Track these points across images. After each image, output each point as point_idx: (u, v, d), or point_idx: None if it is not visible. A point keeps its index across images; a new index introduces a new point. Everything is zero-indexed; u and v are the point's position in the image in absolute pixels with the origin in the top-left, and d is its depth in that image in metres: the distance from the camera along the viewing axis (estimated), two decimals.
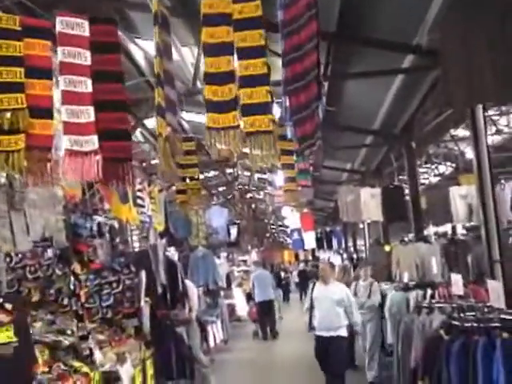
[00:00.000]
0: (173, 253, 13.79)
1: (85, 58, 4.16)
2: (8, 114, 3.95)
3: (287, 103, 4.17)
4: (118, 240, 8.51)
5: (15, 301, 4.30)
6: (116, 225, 8.28)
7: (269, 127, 4.00)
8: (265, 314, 16.12)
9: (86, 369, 6.07)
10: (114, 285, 8.16)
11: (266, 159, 3.94)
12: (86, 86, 4.14)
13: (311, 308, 8.47)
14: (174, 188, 9.68)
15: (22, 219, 5.27)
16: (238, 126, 4.07)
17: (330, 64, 9.54)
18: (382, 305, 9.61)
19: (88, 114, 4.11)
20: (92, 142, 4.06)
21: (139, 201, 8.13)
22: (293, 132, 4.15)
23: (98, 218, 7.53)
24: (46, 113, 4.13)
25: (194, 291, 10.72)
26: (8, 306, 4.05)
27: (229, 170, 19.81)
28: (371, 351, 9.70)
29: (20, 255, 7.07)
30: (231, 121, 4.09)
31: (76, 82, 4.14)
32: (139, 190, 8.24)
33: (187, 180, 8.81)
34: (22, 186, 5.27)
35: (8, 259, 7.10)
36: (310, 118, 3.92)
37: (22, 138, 3.98)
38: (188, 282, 10.78)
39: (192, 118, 13.68)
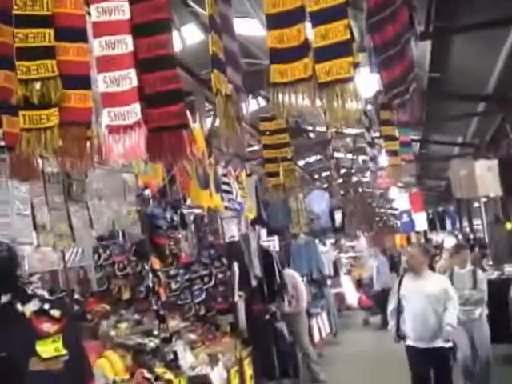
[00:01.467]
0: (275, 242, 13.23)
1: (123, 11, 3.44)
2: (37, 85, 3.31)
3: (371, 43, 3.26)
4: (206, 231, 7.88)
5: (65, 307, 3.67)
6: (199, 213, 7.63)
7: (349, 73, 3.10)
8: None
9: (169, 375, 5.48)
10: (206, 279, 7.66)
11: (347, 114, 3.05)
12: (126, 45, 3.43)
13: (399, 310, 6.47)
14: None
15: (83, 212, 4.69)
16: (311, 77, 3.20)
17: (431, 22, 8.37)
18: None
19: (130, 79, 3.40)
20: (134, 111, 3.35)
21: (224, 186, 7.44)
22: (379, 78, 3.22)
23: (181, 208, 6.90)
24: (83, 82, 3.46)
25: (299, 281, 10.02)
26: (55, 313, 3.42)
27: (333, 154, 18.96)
28: (482, 361, 7.37)
29: (108, 252, 6.70)
30: (302, 71, 3.23)
31: (114, 43, 3.45)
32: (224, 175, 7.56)
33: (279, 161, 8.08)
34: (81, 173, 4.70)
35: (96, 256, 6.76)
36: (399, 56, 3.01)
37: (55, 113, 3.33)
38: (292, 272, 10.19)
39: None
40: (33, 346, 3.29)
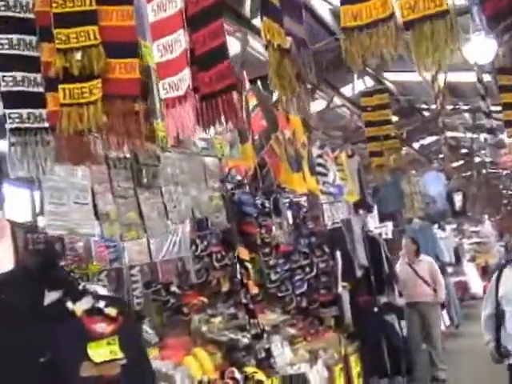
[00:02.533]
0: (388, 228, 12.56)
1: None
2: (78, 55, 2.93)
3: None
4: (306, 217, 7.34)
5: (121, 304, 3.27)
6: (296, 199, 7.09)
7: (441, 6, 2.42)
8: None
9: (260, 375, 5.02)
10: (307, 269, 7.18)
11: (440, 57, 2.37)
12: (176, 2, 2.97)
13: (498, 316, 4.72)
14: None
15: (155, 199, 4.30)
16: (392, 16, 2.56)
17: None
18: None
19: (180, 42, 2.95)
20: (184, 78, 2.90)
21: (319, 168, 6.85)
22: (479, 11, 2.52)
23: (274, 193, 6.41)
24: (128, 49, 3.05)
25: (437, 269, 9.36)
26: (111, 312, 3.03)
27: (450, 134, 17.71)
28: None
29: (205, 242, 6.39)
30: (379, 10, 2.59)
31: (166, 4, 3.01)
32: (319, 156, 6.96)
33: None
34: (154, 157, 4.31)
35: (193, 247, 6.42)
36: None
37: (98, 85, 2.93)
38: (429, 259, 9.52)
39: (396, 77, 12.13)
40: (83, 348, 2.91)
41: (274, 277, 7.05)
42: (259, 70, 6.37)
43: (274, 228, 6.37)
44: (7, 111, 3.03)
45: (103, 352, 2.98)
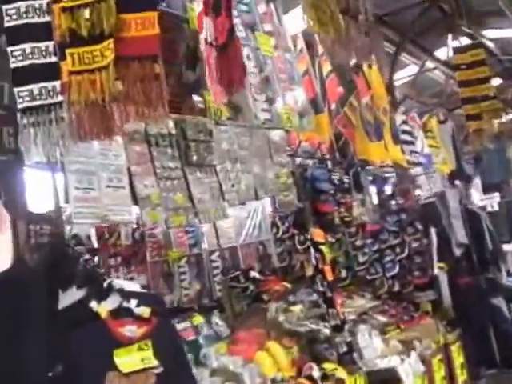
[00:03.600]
0: (494, 200, 11.58)
1: None
2: (86, 12, 2.49)
3: None
4: (395, 192, 6.69)
5: (156, 302, 2.82)
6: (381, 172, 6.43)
7: None
8: None
9: (341, 372, 4.45)
10: (398, 249, 6.59)
11: None
12: None
13: None
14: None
15: (209, 179, 3.81)
16: None
17: None
18: None
19: None
20: (207, 28, 2.37)
21: (405, 136, 6.13)
22: None
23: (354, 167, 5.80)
24: (145, 1, 2.56)
25: None
26: (142, 312, 2.58)
27: None
28: None
29: (286, 224, 6.01)
30: None
31: None
32: (404, 122, 6.23)
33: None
34: (205, 132, 3.82)
35: (274, 229, 6.18)
36: None
37: (111, 46, 2.46)
38: None
39: (497, 34, 11.07)
40: (108, 356, 2.48)
41: (361, 259, 6.61)
42: None
43: (354, 205, 5.77)
44: (16, 90, 2.64)
45: (133, 359, 2.54)
